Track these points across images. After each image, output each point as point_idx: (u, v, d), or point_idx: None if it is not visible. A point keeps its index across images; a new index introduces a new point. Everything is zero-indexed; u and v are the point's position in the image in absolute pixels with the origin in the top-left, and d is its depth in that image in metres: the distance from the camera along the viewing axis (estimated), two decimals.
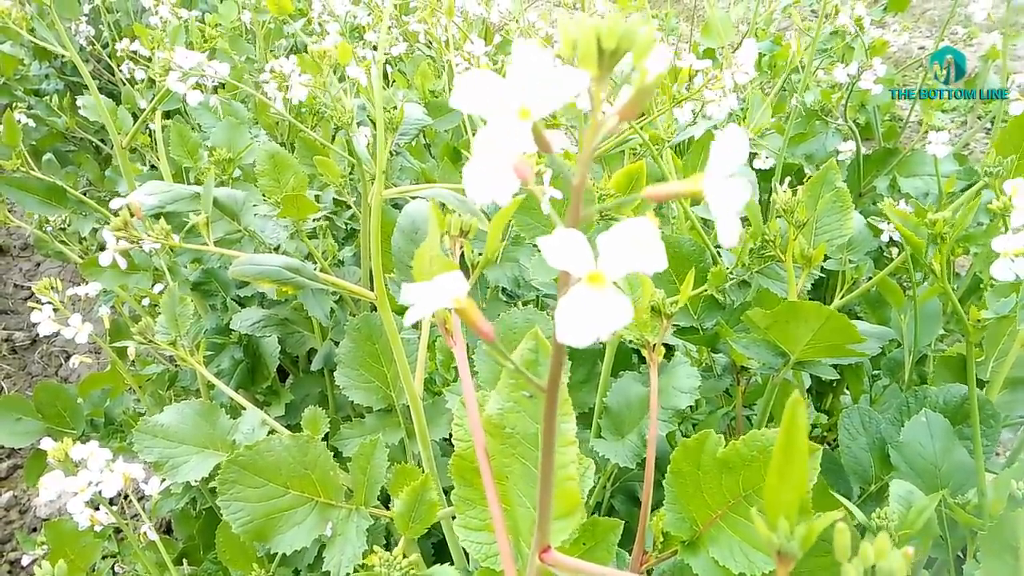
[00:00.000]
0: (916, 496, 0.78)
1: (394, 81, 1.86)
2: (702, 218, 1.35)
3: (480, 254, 0.70)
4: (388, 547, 1.17)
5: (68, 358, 2.46)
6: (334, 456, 0.86)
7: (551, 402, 0.31)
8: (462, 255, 0.66)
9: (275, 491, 0.77)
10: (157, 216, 0.86)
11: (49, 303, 1.17)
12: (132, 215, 0.79)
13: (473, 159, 0.26)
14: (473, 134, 1.38)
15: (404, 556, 0.72)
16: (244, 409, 1.06)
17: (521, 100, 0.26)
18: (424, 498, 0.72)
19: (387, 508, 0.93)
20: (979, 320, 0.89)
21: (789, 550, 0.26)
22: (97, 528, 0.99)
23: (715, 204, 0.27)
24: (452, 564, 0.92)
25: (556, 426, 0.32)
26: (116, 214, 0.78)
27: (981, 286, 1.31)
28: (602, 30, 0.25)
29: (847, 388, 1.52)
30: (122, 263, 0.82)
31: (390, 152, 1.09)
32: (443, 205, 0.81)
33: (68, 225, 1.69)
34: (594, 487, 1.16)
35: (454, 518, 0.60)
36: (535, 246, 1.07)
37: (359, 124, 1.19)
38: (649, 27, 0.25)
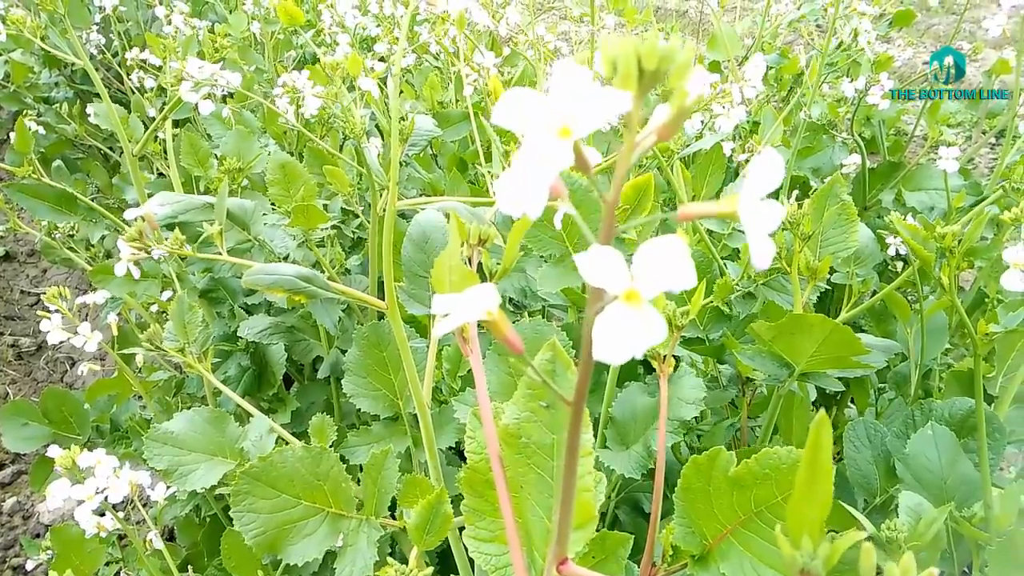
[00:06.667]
0: (925, 508, 0.78)
1: (402, 92, 1.87)
2: (709, 230, 1.36)
3: (499, 263, 0.71)
4: (393, 554, 1.17)
5: (74, 364, 2.47)
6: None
7: (576, 415, 0.31)
8: (479, 264, 0.67)
9: (287, 502, 0.77)
10: (170, 226, 0.87)
11: (58, 311, 1.18)
12: (145, 224, 0.79)
13: (509, 172, 0.26)
14: (482, 145, 1.39)
15: (417, 570, 0.72)
16: (251, 416, 1.07)
17: (562, 119, 0.26)
18: (440, 511, 0.72)
19: (393, 517, 0.93)
20: (987, 333, 0.89)
21: (813, 569, 0.27)
22: (102, 534, 0.99)
23: (749, 226, 0.27)
24: (458, 575, 0.92)
25: (580, 438, 0.32)
26: (130, 224, 0.79)
27: (986, 300, 1.31)
28: (643, 50, 0.26)
29: (852, 401, 1.52)
30: (135, 273, 0.83)
31: (400, 163, 1.10)
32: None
33: (76, 232, 1.70)
34: None
35: (462, 529, 0.60)
36: (543, 257, 1.08)
37: (368, 135, 1.19)
38: (688, 48, 0.25)
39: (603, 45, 0.26)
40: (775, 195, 1.61)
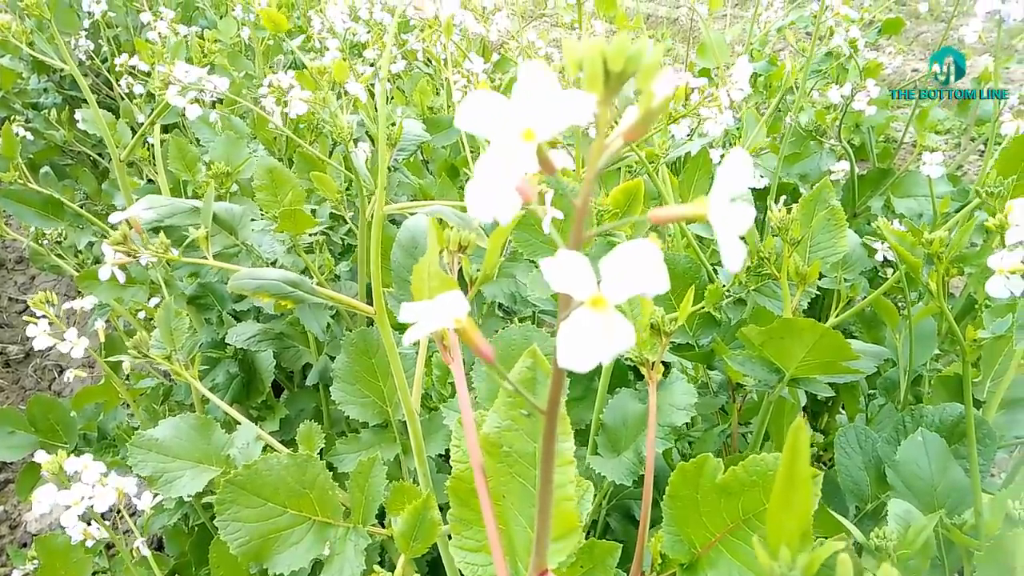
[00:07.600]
0: (915, 515, 0.78)
1: (392, 98, 1.87)
2: (698, 236, 1.36)
3: (479, 270, 0.70)
4: (383, 564, 1.16)
5: (62, 372, 2.45)
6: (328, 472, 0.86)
7: (550, 424, 0.31)
8: (460, 270, 0.66)
9: (273, 511, 0.76)
10: (156, 230, 0.86)
11: (45, 317, 1.17)
12: (131, 229, 0.79)
13: (476, 178, 0.26)
14: (471, 151, 1.39)
15: None
16: (239, 424, 1.06)
17: (525, 121, 0.25)
18: (426, 518, 0.71)
19: (382, 525, 0.92)
20: (975, 339, 0.89)
21: None
22: (89, 543, 0.98)
23: (719, 228, 0.26)
24: None
25: (555, 447, 0.32)
26: (115, 228, 0.78)
27: (976, 307, 1.32)
28: (608, 51, 0.25)
29: (843, 407, 1.52)
30: (120, 277, 0.82)
31: (388, 168, 1.09)
32: (442, 221, 0.81)
33: (64, 238, 1.69)
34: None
35: (450, 537, 0.60)
36: (532, 262, 1.07)
37: (357, 140, 1.19)
38: (656, 49, 0.25)
39: (568, 46, 0.25)
40: (762, 202, 1.61)
